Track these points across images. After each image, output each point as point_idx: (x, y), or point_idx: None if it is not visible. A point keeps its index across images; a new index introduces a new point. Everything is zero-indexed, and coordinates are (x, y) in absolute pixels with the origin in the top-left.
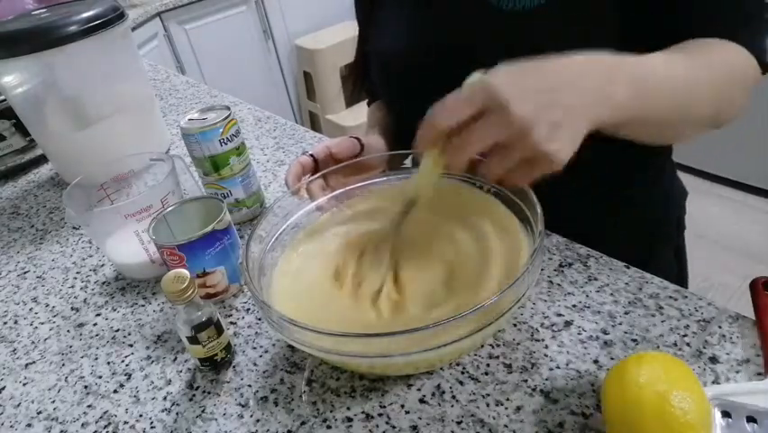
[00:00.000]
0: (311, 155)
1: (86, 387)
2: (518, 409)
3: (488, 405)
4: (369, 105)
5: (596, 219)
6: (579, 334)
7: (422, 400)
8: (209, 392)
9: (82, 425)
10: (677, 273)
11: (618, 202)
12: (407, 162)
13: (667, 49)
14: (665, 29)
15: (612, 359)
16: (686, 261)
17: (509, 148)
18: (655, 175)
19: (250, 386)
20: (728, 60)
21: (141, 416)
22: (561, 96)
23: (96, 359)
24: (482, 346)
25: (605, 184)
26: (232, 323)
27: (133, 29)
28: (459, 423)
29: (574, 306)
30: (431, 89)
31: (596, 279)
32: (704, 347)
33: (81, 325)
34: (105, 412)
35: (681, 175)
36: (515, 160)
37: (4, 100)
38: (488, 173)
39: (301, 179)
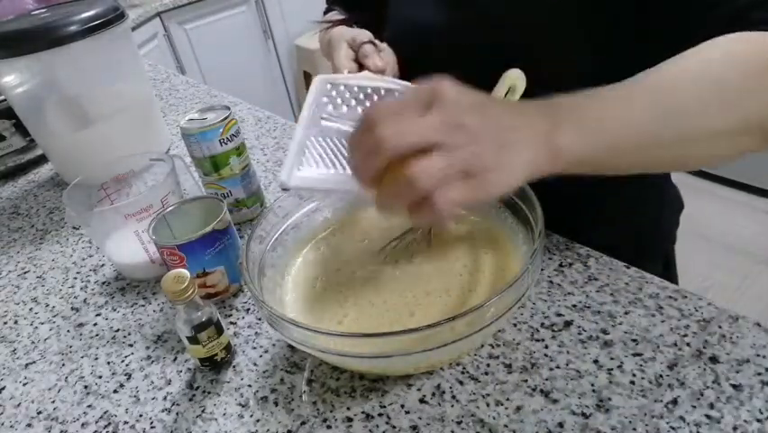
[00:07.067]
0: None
1: (86, 387)
2: (518, 409)
3: (488, 405)
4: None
5: (580, 228)
6: (579, 334)
7: (422, 400)
8: (209, 392)
9: (82, 425)
10: None
11: (604, 207)
12: None
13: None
14: (677, 27)
15: (612, 359)
16: (676, 274)
17: (452, 153)
18: (642, 182)
19: (250, 386)
20: (737, 55)
21: (141, 416)
22: (509, 131)
23: (96, 359)
24: (482, 346)
25: (588, 190)
26: (232, 323)
27: (133, 29)
28: (459, 423)
29: (574, 306)
30: (465, 68)
31: (596, 279)
32: (704, 347)
33: (81, 325)
34: (105, 412)
35: (682, 175)
36: (454, 166)
37: (4, 100)
38: (422, 174)
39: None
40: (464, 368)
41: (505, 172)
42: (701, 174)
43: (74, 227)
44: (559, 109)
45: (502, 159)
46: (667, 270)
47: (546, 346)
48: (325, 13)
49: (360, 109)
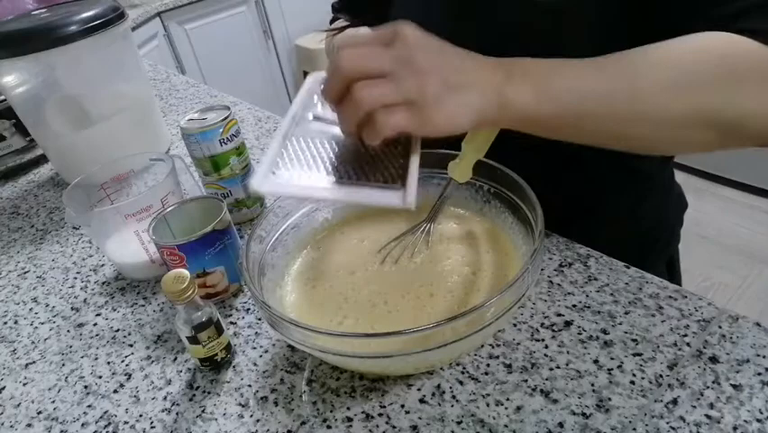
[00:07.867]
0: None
1: (86, 387)
2: (518, 409)
3: (488, 405)
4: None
5: (584, 226)
6: (579, 334)
7: (422, 400)
8: (209, 392)
9: (82, 425)
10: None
11: (606, 208)
12: None
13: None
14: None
15: (612, 359)
16: (679, 273)
17: (398, 82)
18: (645, 181)
19: (250, 386)
20: (712, 51)
21: (141, 416)
22: (459, 73)
23: (96, 359)
24: (482, 346)
25: (590, 190)
26: (232, 323)
27: (133, 29)
28: (459, 423)
29: (574, 306)
30: None
31: (596, 279)
32: (704, 347)
33: (81, 325)
34: (105, 412)
35: (682, 175)
36: (396, 94)
37: (4, 100)
38: (365, 95)
39: None
40: (464, 368)
41: (448, 109)
42: (702, 174)
43: (74, 227)
44: (515, 65)
45: (447, 96)
46: (671, 270)
47: (546, 346)
48: (332, 22)
49: None
